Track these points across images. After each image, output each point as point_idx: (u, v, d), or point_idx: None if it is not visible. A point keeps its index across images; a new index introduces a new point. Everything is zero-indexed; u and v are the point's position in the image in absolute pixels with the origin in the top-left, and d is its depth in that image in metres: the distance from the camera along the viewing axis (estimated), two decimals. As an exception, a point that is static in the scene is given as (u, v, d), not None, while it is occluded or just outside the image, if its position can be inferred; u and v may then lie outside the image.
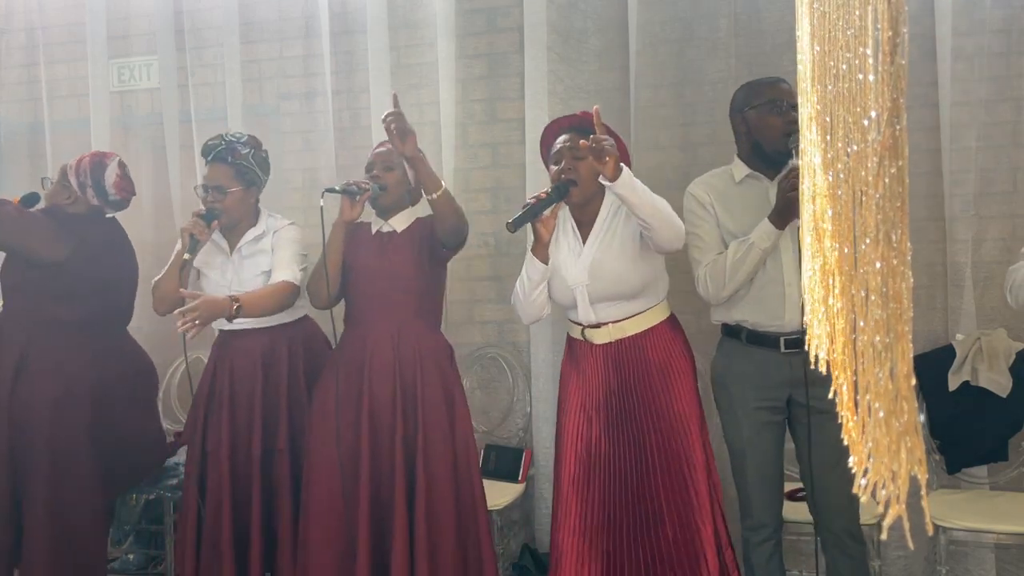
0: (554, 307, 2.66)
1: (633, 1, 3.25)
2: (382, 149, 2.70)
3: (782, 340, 2.42)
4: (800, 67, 0.96)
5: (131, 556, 3.65)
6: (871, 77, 0.78)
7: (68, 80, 4.00)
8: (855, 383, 0.85)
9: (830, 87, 0.87)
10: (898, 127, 0.76)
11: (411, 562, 2.55)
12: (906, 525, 0.79)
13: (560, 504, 2.53)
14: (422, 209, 2.75)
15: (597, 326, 2.51)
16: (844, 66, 0.84)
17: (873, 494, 0.80)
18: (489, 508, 3.02)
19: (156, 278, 2.76)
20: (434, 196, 2.47)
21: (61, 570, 2.81)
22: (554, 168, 2.50)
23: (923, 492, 0.77)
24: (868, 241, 0.79)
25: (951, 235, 3.01)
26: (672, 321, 2.60)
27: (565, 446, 2.55)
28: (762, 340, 2.46)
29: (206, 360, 3.00)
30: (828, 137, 0.88)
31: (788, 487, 2.68)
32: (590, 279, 2.48)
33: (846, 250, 0.85)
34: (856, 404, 0.84)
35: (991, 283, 3.00)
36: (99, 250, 2.93)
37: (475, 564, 2.62)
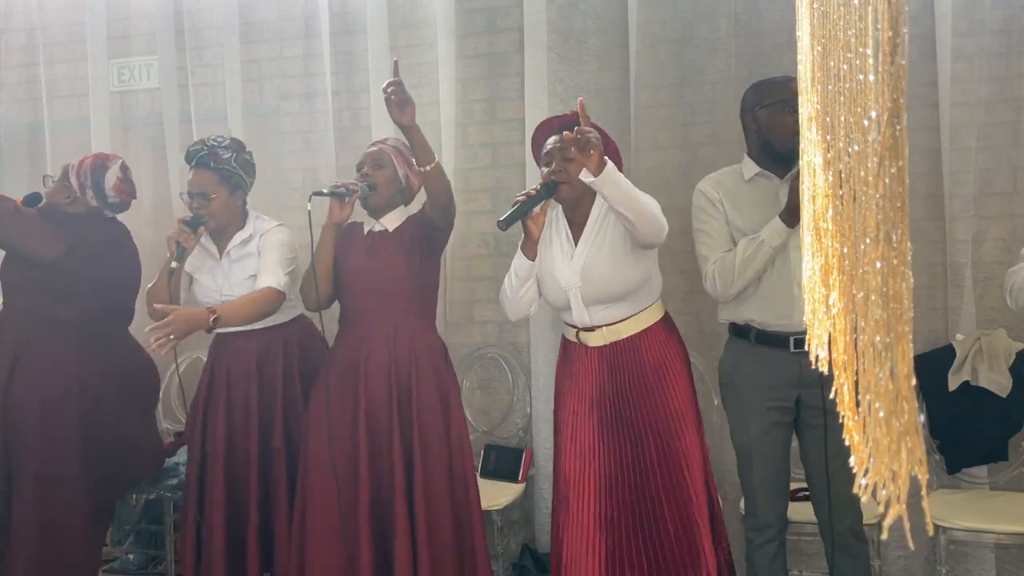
0: (551, 307, 2.66)
1: (633, 1, 3.25)
2: (373, 148, 2.71)
3: (791, 340, 2.42)
4: (800, 67, 0.96)
5: (131, 556, 3.65)
6: (871, 77, 0.78)
7: (68, 80, 4.00)
8: (856, 383, 0.85)
9: (830, 87, 0.87)
10: (898, 127, 0.76)
11: (414, 562, 2.55)
12: (906, 525, 0.79)
13: (560, 505, 2.53)
14: (414, 208, 2.76)
15: (591, 329, 2.52)
16: (845, 66, 0.84)
17: (873, 494, 0.80)
18: (489, 508, 3.03)
19: (149, 285, 2.78)
20: (427, 168, 2.46)
21: (45, 570, 2.80)
22: (545, 169, 2.51)
23: (923, 492, 0.77)
24: (868, 241, 0.79)
25: (951, 235, 3.01)
26: (666, 321, 2.60)
27: (562, 448, 2.55)
28: (771, 340, 2.45)
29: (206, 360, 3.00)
30: (828, 137, 0.88)
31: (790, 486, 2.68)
32: (582, 281, 2.48)
33: (846, 250, 0.85)
34: (857, 404, 0.84)
35: (991, 283, 3.00)
36: (98, 250, 2.93)
37: (470, 563, 2.63)
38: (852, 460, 0.84)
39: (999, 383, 2.84)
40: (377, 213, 2.72)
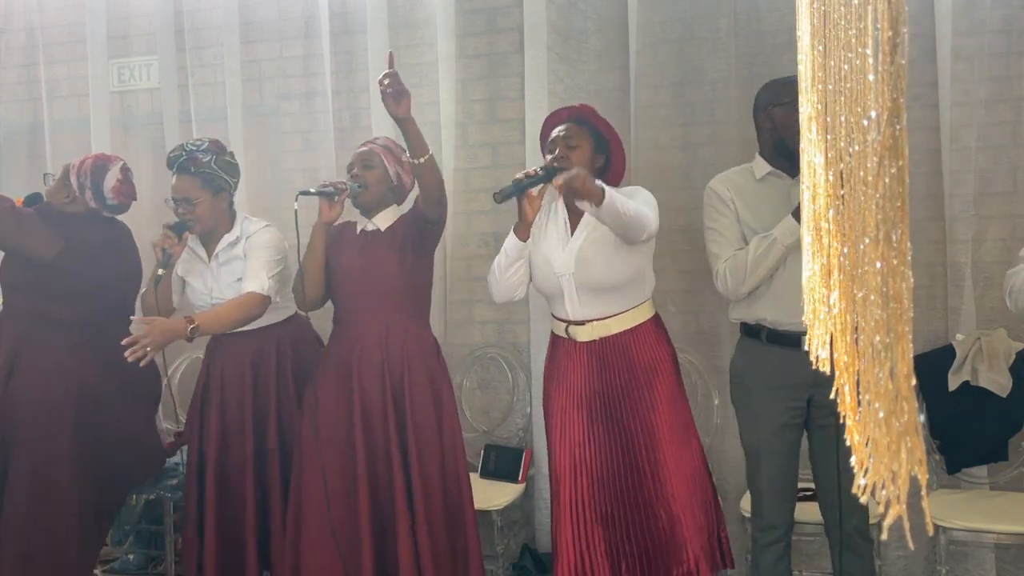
0: (542, 295, 2.66)
1: (633, 1, 3.25)
2: (363, 149, 2.72)
3: (804, 339, 2.41)
4: (800, 67, 0.96)
5: (131, 556, 3.64)
6: (871, 77, 0.78)
7: (68, 80, 3.99)
8: (856, 383, 0.85)
9: (831, 87, 0.87)
10: (898, 127, 0.76)
11: (416, 560, 2.56)
12: (906, 525, 0.79)
13: (556, 503, 2.54)
14: (407, 208, 2.76)
15: (581, 323, 2.51)
16: (845, 66, 0.84)
17: (873, 494, 0.80)
18: (489, 508, 3.03)
19: (142, 291, 2.79)
20: (421, 160, 2.46)
21: (34, 569, 2.80)
22: (548, 156, 2.52)
23: (923, 492, 0.77)
24: (868, 241, 0.79)
25: (951, 235, 3.01)
26: (656, 321, 2.61)
27: (554, 445, 2.56)
28: (783, 339, 2.43)
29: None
30: (829, 137, 0.88)
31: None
32: (577, 267, 2.48)
33: (847, 250, 0.85)
34: (858, 404, 0.84)
35: (991, 283, 3.00)
36: (97, 250, 2.93)
37: (462, 560, 2.63)
38: (853, 460, 0.84)
39: (999, 383, 2.84)
40: (369, 212, 2.72)
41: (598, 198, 2.24)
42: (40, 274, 2.83)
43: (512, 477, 3.28)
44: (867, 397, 0.80)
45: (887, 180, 0.76)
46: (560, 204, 2.59)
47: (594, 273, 2.47)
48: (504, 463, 3.32)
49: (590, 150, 2.53)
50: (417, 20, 3.55)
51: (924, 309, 3.03)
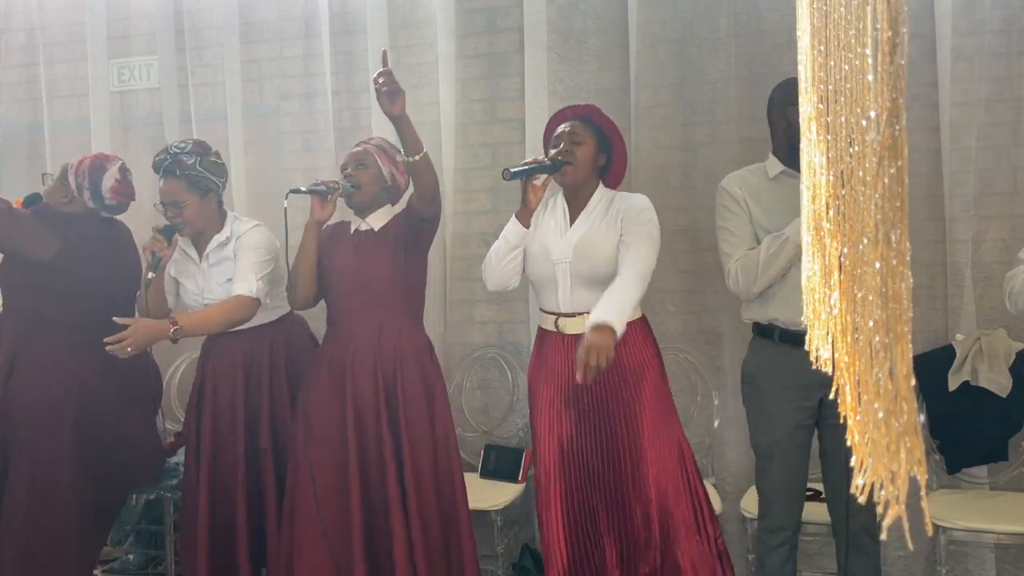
0: (534, 285, 2.66)
1: (633, 1, 3.25)
2: (357, 149, 2.72)
3: None
4: (800, 67, 0.96)
5: (131, 556, 3.65)
6: (870, 77, 0.78)
7: (68, 80, 3.99)
8: (856, 383, 0.85)
9: (831, 87, 0.87)
10: (897, 127, 0.76)
11: (411, 559, 2.57)
12: (905, 525, 0.79)
13: (545, 498, 2.54)
14: (400, 208, 2.77)
15: (572, 315, 2.52)
16: (845, 66, 0.84)
17: (871, 494, 0.80)
18: (489, 508, 3.03)
19: (138, 293, 2.79)
20: (415, 158, 2.46)
21: (34, 568, 2.80)
22: (552, 151, 2.54)
23: (923, 492, 0.77)
24: (867, 241, 0.79)
25: (951, 235, 3.01)
26: (644, 323, 2.62)
27: (540, 443, 2.56)
28: (796, 339, 2.42)
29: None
30: (829, 137, 0.88)
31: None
32: (575, 256, 2.49)
33: (847, 250, 0.85)
34: (859, 404, 0.84)
35: (991, 283, 3.00)
36: (96, 250, 2.93)
37: (457, 558, 2.64)
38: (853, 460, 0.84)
39: (999, 383, 2.84)
40: (363, 212, 2.72)
41: (615, 338, 2.26)
42: (39, 275, 2.83)
43: (512, 477, 3.28)
44: (866, 397, 0.80)
45: (886, 180, 0.76)
46: (560, 196, 2.61)
47: (591, 264, 2.48)
48: (504, 463, 3.33)
49: (593, 148, 2.54)
50: (417, 20, 3.55)
51: (924, 309, 3.03)
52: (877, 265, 0.78)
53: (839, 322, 0.88)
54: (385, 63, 2.37)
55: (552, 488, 2.52)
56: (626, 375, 2.50)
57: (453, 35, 3.46)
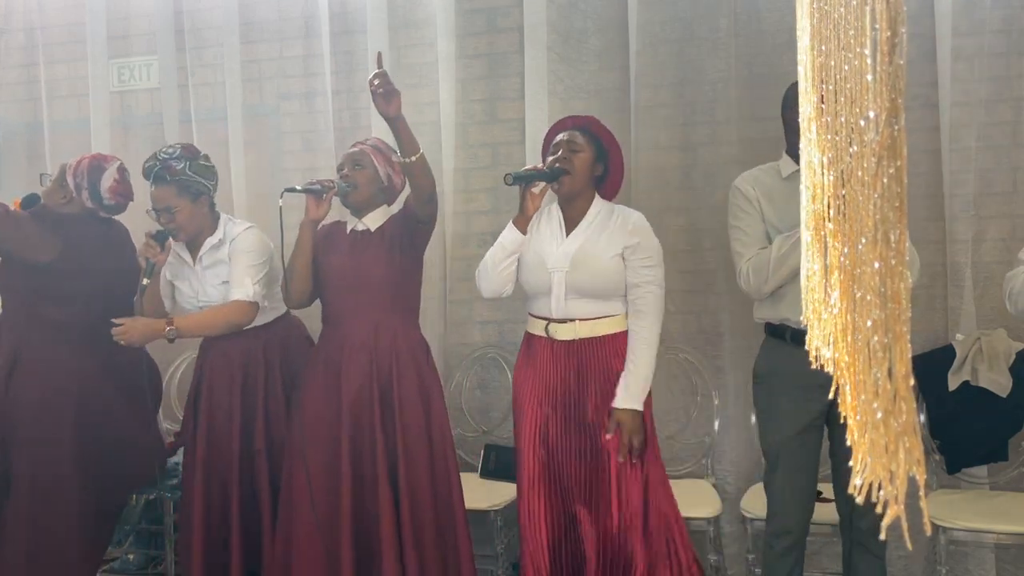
0: (527, 292, 2.66)
1: (633, 1, 3.25)
2: (353, 149, 2.72)
3: None
4: (800, 67, 0.96)
5: (131, 556, 3.65)
6: (869, 77, 0.78)
7: (68, 80, 3.99)
8: (856, 383, 0.85)
9: (830, 87, 0.87)
10: (896, 127, 0.76)
11: (401, 561, 2.57)
12: (904, 525, 0.79)
13: (527, 511, 2.53)
14: (396, 208, 2.78)
15: (563, 321, 2.52)
16: (845, 66, 0.84)
17: (869, 494, 0.79)
18: (489, 508, 3.03)
19: (136, 297, 2.80)
20: (412, 159, 2.46)
21: (38, 567, 2.80)
22: (550, 158, 2.54)
23: (921, 492, 0.77)
24: (865, 241, 0.79)
25: (951, 235, 3.01)
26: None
27: (525, 449, 2.55)
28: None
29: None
30: (829, 137, 0.88)
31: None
32: (571, 266, 2.49)
33: (847, 250, 0.85)
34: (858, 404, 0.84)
35: (991, 283, 3.00)
36: (95, 251, 2.93)
37: (453, 560, 2.64)
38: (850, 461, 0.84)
39: (999, 383, 2.84)
40: (359, 212, 2.72)
41: (642, 418, 2.46)
42: (38, 276, 2.83)
43: (512, 477, 3.24)
44: (865, 397, 0.80)
45: (885, 180, 0.76)
46: (554, 205, 2.61)
47: (587, 275, 2.49)
48: (504, 463, 3.32)
49: (591, 158, 2.55)
50: (417, 20, 3.55)
51: (924, 309, 3.03)
52: (876, 265, 0.78)
53: (839, 322, 0.88)
54: (380, 65, 2.37)
55: (536, 497, 2.51)
56: (612, 379, 2.50)
57: (453, 35, 3.46)
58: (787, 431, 2.46)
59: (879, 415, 0.77)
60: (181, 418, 3.54)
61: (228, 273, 2.82)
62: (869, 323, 0.78)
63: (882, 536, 0.81)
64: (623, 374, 2.48)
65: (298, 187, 2.66)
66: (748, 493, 3.02)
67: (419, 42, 3.56)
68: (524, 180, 2.47)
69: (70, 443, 2.84)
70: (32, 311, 2.86)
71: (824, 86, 0.88)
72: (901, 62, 0.75)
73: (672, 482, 3.13)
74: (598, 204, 2.57)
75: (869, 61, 0.78)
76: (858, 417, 0.84)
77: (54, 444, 2.82)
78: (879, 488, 0.77)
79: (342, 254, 2.71)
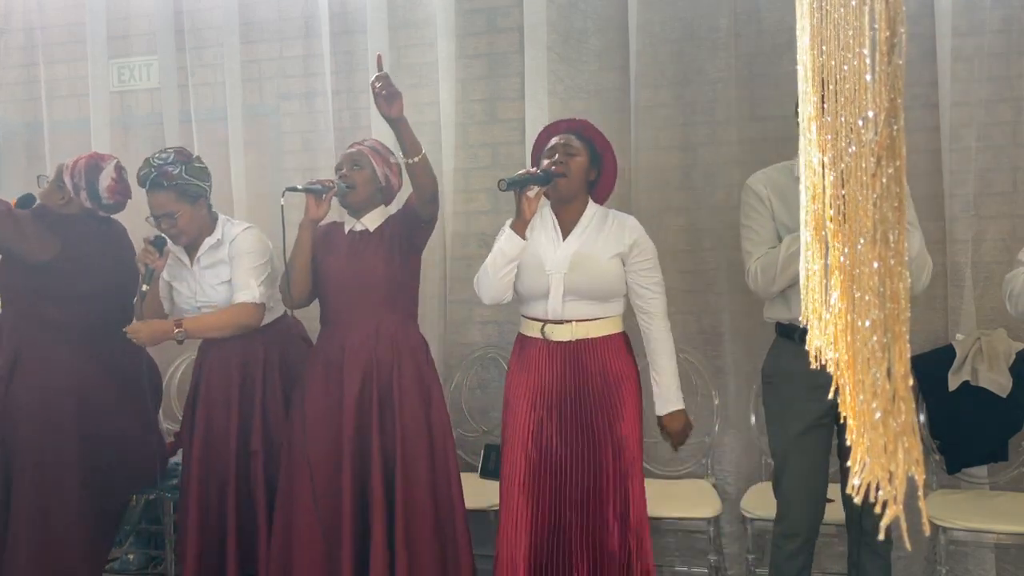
0: (522, 296, 2.65)
1: (633, 1, 3.25)
2: (351, 150, 2.73)
3: None
4: (800, 67, 0.96)
5: (131, 556, 3.65)
6: (868, 77, 0.78)
7: (68, 80, 3.99)
8: (855, 383, 0.85)
9: (830, 87, 0.87)
10: (895, 127, 0.76)
11: (391, 557, 2.57)
12: (903, 526, 0.79)
13: (512, 521, 2.50)
14: (394, 208, 2.78)
15: (560, 322, 2.52)
16: (844, 66, 0.84)
17: (867, 494, 0.79)
18: (489, 508, 3.03)
19: (135, 299, 2.81)
20: (415, 160, 2.47)
21: (44, 567, 2.80)
22: (546, 161, 2.54)
23: (920, 493, 0.77)
24: (864, 241, 0.79)
25: (951, 235, 3.00)
26: (626, 338, 2.63)
27: (515, 449, 2.53)
28: None
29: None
30: (828, 137, 0.88)
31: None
32: (570, 268, 2.49)
33: (846, 250, 0.85)
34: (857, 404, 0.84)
35: (991, 283, 3.00)
36: (94, 251, 2.93)
37: (452, 558, 2.64)
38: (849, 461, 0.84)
39: (999, 383, 2.84)
40: (357, 212, 2.73)
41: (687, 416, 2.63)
42: (38, 276, 2.83)
43: (512, 477, 3.27)
44: (864, 397, 0.80)
45: (884, 180, 0.76)
46: (548, 209, 2.61)
47: (586, 277, 2.49)
48: (504, 463, 3.32)
49: (587, 161, 2.56)
50: (417, 20, 3.55)
51: (924, 309, 3.03)
52: (875, 265, 0.78)
53: (839, 322, 0.88)
54: (380, 67, 2.38)
55: (524, 502, 2.49)
56: (609, 379, 2.51)
57: (453, 35, 3.46)
58: (795, 430, 2.46)
59: (878, 415, 0.77)
60: (181, 418, 3.55)
61: (228, 273, 2.82)
62: (868, 323, 0.78)
63: (880, 536, 0.81)
64: (653, 382, 2.58)
65: (299, 186, 2.66)
66: (748, 493, 3.02)
67: (419, 42, 3.56)
68: (519, 185, 2.45)
69: (71, 443, 2.84)
70: (32, 311, 2.86)
71: (824, 86, 0.88)
72: (900, 62, 0.75)
73: (672, 482, 3.16)
74: (592, 207, 2.59)
75: (868, 61, 0.78)
76: (857, 417, 0.84)
77: (55, 444, 2.82)
78: (877, 488, 0.77)
79: (341, 255, 2.71)
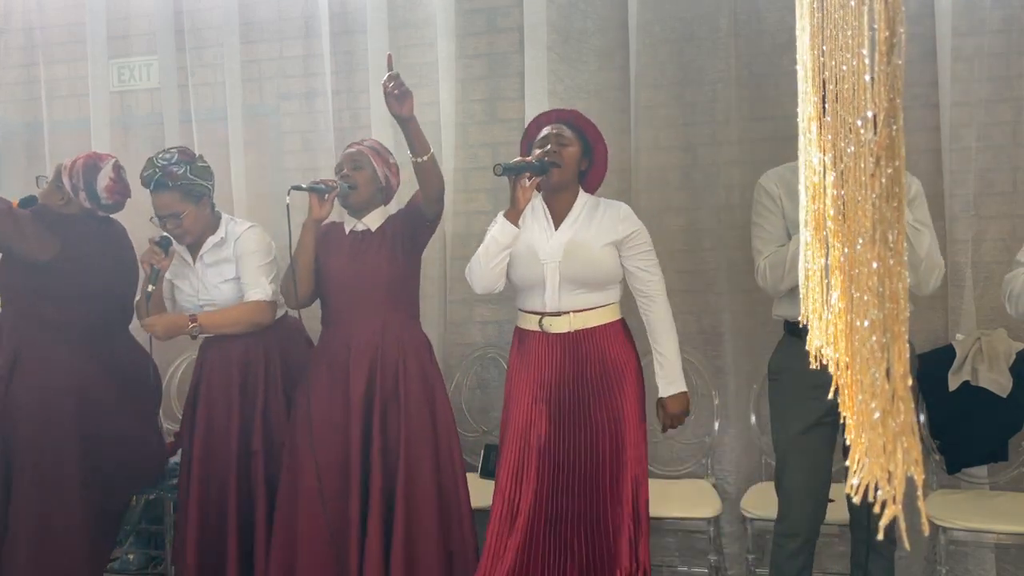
0: (518, 289, 2.65)
1: (633, 1, 3.25)
2: (351, 150, 2.73)
3: None
4: (800, 67, 0.96)
5: (131, 556, 3.65)
6: (867, 77, 0.78)
7: (68, 80, 3.99)
8: (854, 383, 0.85)
9: (830, 87, 0.87)
10: (894, 127, 0.76)
11: (386, 557, 2.57)
12: (902, 526, 0.79)
13: (506, 515, 2.49)
14: (393, 208, 2.80)
15: (558, 314, 2.52)
16: (843, 66, 0.84)
17: (865, 494, 0.79)
18: (488, 507, 3.02)
19: (137, 299, 2.83)
20: (424, 159, 2.49)
21: (44, 566, 2.80)
22: (538, 151, 2.54)
23: (919, 493, 0.77)
24: (863, 241, 0.79)
25: (951, 235, 3.00)
26: (625, 324, 2.63)
27: (514, 440, 2.53)
28: None
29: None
30: (828, 137, 0.88)
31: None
32: (564, 257, 2.50)
33: (846, 250, 0.85)
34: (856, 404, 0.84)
35: (991, 283, 3.00)
36: (94, 251, 2.93)
37: (460, 558, 2.63)
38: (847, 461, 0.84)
39: (999, 383, 2.84)
40: (358, 213, 2.73)
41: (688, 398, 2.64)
42: (38, 276, 2.83)
43: (512, 477, 3.27)
44: (863, 397, 0.80)
45: (883, 180, 0.76)
46: (539, 199, 2.61)
47: (580, 265, 2.49)
48: (504, 463, 3.32)
49: (579, 152, 2.57)
50: (417, 20, 3.55)
51: (924, 309, 3.03)
52: (874, 265, 0.78)
53: (840, 322, 0.88)
54: (391, 67, 2.39)
55: (518, 494, 2.48)
56: (608, 367, 2.51)
57: (453, 35, 3.46)
58: (797, 428, 2.46)
59: (877, 415, 0.77)
60: (181, 418, 3.55)
61: (232, 272, 2.83)
62: (867, 323, 0.78)
63: (879, 536, 0.81)
64: (657, 364, 2.57)
65: (304, 185, 2.67)
66: (748, 493, 3.02)
67: (419, 42, 3.56)
68: (514, 171, 2.46)
69: (71, 443, 2.84)
70: (32, 311, 2.86)
71: (823, 86, 0.88)
72: (899, 62, 0.75)
73: (672, 482, 3.16)
74: (583, 197, 2.60)
75: (867, 61, 0.78)
76: (856, 417, 0.84)
77: (55, 444, 2.82)
78: (876, 488, 0.77)
79: (343, 255, 2.71)
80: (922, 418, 2.94)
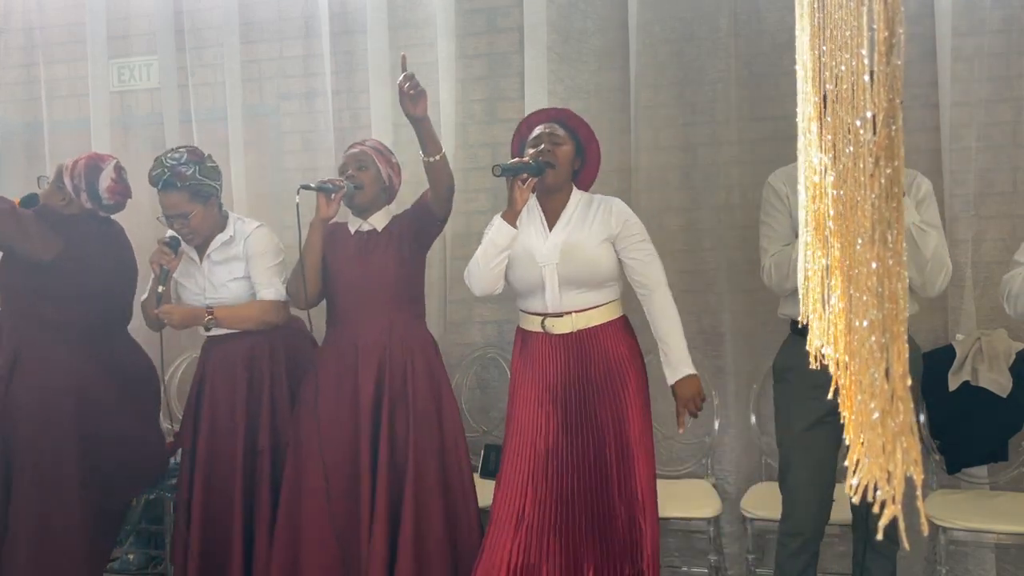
0: (517, 292, 2.65)
1: (633, 1, 3.25)
2: (354, 150, 2.74)
3: None
4: (800, 67, 0.96)
5: (131, 556, 3.65)
6: (866, 77, 0.78)
7: (68, 80, 4.00)
8: (853, 383, 0.85)
9: (830, 87, 0.87)
10: (894, 127, 0.76)
11: (391, 555, 2.57)
12: (901, 526, 0.79)
13: (508, 516, 2.49)
14: (394, 208, 2.80)
15: (559, 315, 2.52)
16: (843, 66, 0.84)
17: (865, 494, 0.80)
18: (489, 507, 3.03)
19: (143, 298, 2.83)
20: (435, 158, 2.51)
21: (44, 566, 2.81)
22: (531, 150, 2.54)
23: (918, 493, 0.77)
24: (862, 241, 0.79)
25: (951, 235, 3.00)
26: (626, 321, 2.63)
27: (523, 446, 2.52)
28: None
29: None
30: (828, 137, 0.88)
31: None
32: (561, 258, 2.49)
33: (846, 250, 0.85)
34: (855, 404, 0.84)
35: (991, 283, 3.00)
36: (95, 251, 2.93)
37: (466, 555, 2.63)
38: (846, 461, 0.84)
39: (999, 383, 2.84)
40: (363, 213, 2.73)
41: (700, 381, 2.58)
42: (38, 276, 2.83)
43: (512, 477, 3.27)
44: (862, 397, 0.80)
45: (883, 180, 0.76)
46: (535, 202, 2.61)
47: (577, 265, 2.49)
48: (504, 463, 3.32)
49: (572, 151, 2.57)
50: (417, 20, 3.56)
51: (924, 309, 3.02)
52: (873, 265, 0.78)
53: (839, 322, 0.88)
54: (405, 67, 2.41)
55: (528, 495, 2.48)
56: (612, 365, 2.51)
57: (453, 35, 3.47)
58: (800, 426, 2.46)
59: (876, 415, 0.77)
60: (182, 417, 3.55)
61: (241, 270, 2.84)
62: (866, 323, 0.78)
63: (878, 536, 0.81)
64: (662, 352, 2.54)
65: (312, 184, 2.67)
66: (748, 493, 3.02)
67: (419, 42, 3.56)
68: (512, 172, 2.47)
69: (71, 443, 2.84)
70: (32, 311, 2.86)
71: (824, 86, 0.88)
72: (899, 62, 0.75)
73: (672, 482, 3.16)
74: (576, 195, 2.60)
75: (866, 61, 0.78)
76: (855, 417, 0.84)
77: (55, 444, 2.82)
78: (875, 488, 0.77)
79: (349, 255, 2.71)
80: (922, 418, 2.94)
